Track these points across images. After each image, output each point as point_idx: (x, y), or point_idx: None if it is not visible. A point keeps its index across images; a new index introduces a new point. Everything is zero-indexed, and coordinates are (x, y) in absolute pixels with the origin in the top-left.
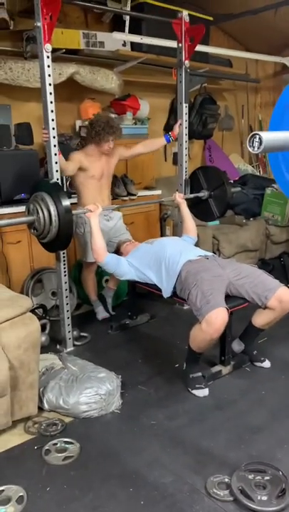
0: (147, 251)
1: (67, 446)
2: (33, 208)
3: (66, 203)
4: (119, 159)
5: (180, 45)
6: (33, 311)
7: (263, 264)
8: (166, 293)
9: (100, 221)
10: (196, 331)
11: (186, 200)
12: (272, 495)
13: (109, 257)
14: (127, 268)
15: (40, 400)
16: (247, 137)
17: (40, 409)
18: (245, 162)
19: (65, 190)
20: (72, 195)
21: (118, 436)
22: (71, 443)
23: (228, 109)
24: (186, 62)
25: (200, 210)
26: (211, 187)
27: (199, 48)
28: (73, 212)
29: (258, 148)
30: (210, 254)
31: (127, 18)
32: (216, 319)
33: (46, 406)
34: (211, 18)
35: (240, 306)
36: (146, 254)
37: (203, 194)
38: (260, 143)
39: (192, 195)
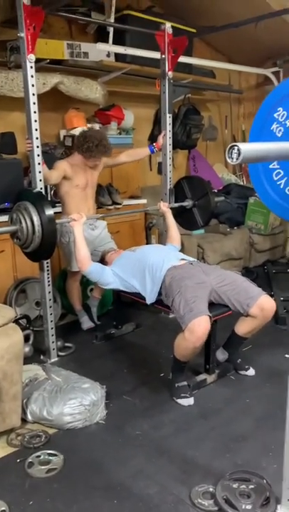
0: (130, 258)
1: (50, 458)
2: (16, 217)
3: (49, 212)
4: (103, 167)
5: (163, 56)
6: (16, 321)
7: (247, 273)
8: (150, 299)
9: (84, 230)
10: (179, 340)
11: (171, 209)
12: (257, 504)
13: (93, 266)
14: (111, 277)
15: (24, 412)
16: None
17: (24, 420)
18: (228, 172)
19: (49, 199)
20: (57, 205)
21: (103, 447)
22: (55, 455)
23: (211, 119)
24: (170, 73)
25: (184, 219)
26: (195, 196)
27: (182, 59)
28: (57, 221)
29: (237, 159)
30: (194, 260)
31: (111, 29)
32: (198, 327)
33: (30, 418)
34: (193, 30)
35: (224, 314)
36: (129, 262)
37: (188, 203)
38: (239, 154)
39: (177, 205)
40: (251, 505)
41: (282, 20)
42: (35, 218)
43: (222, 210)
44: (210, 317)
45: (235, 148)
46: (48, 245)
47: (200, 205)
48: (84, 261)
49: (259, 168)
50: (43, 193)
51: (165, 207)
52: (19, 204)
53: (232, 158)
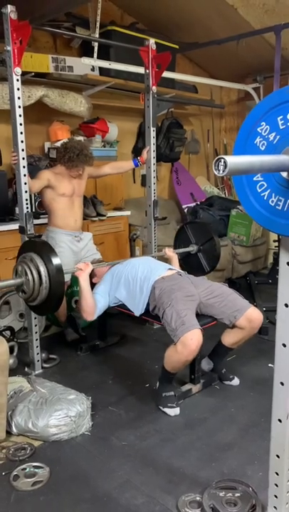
0: (118, 270)
1: (36, 470)
2: (21, 269)
3: (57, 261)
4: (87, 177)
5: (147, 71)
6: (0, 333)
7: (230, 284)
8: (138, 311)
9: (70, 242)
10: (171, 352)
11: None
12: (243, 511)
13: (96, 313)
14: (105, 303)
15: (9, 424)
16: (213, 160)
17: (9, 433)
18: (211, 184)
19: (33, 210)
20: (42, 216)
21: (88, 458)
22: (40, 467)
23: (194, 133)
24: (154, 87)
25: (190, 264)
26: (199, 241)
27: (166, 74)
28: (64, 271)
29: (223, 171)
30: (181, 271)
31: (96, 44)
32: (191, 341)
33: (15, 430)
34: (176, 47)
35: (208, 324)
36: (117, 274)
37: (192, 248)
38: (225, 166)
39: (182, 250)
40: None
41: (262, 38)
42: (42, 269)
43: (205, 221)
44: (201, 330)
45: (222, 160)
46: (55, 297)
47: (205, 250)
48: (90, 311)
49: (243, 181)
50: (46, 243)
51: (171, 252)
52: (24, 256)
53: (218, 170)
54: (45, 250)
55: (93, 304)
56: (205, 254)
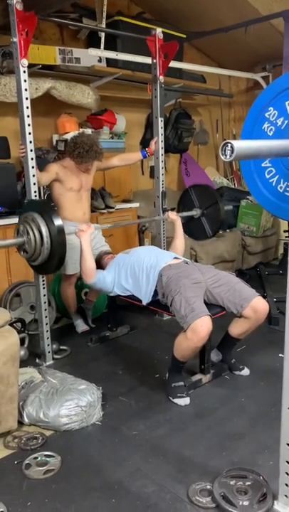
0: (125, 260)
1: (48, 459)
2: (23, 229)
3: (58, 222)
4: (95, 170)
5: (154, 61)
6: (11, 325)
7: (240, 275)
8: (146, 299)
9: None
10: (181, 339)
11: None
12: (254, 499)
13: (96, 277)
14: (111, 284)
15: (20, 414)
16: None
17: (20, 423)
18: (220, 175)
19: None
20: None
21: (99, 447)
22: (52, 456)
23: (202, 123)
24: (161, 77)
25: (192, 228)
26: (203, 205)
27: (173, 64)
28: (66, 232)
29: (230, 156)
30: (188, 260)
31: (103, 34)
32: (201, 327)
33: (26, 420)
34: (184, 36)
35: (217, 314)
36: (124, 264)
37: (196, 212)
38: (232, 151)
39: (185, 214)
40: (248, 502)
41: (271, 25)
42: (44, 229)
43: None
44: (210, 317)
45: (229, 145)
46: (57, 257)
47: (209, 214)
48: (90, 273)
49: (251, 167)
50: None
51: (174, 215)
52: (26, 215)
53: (225, 155)
54: (47, 210)
55: (93, 267)
56: (208, 219)
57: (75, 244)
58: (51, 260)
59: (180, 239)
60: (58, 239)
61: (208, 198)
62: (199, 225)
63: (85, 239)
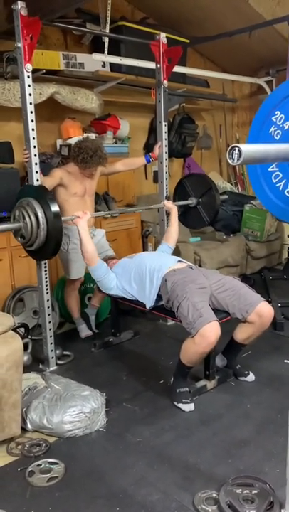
0: (129, 264)
1: (51, 466)
2: (18, 214)
3: (55, 208)
4: (99, 175)
5: (158, 65)
6: (14, 330)
7: (244, 279)
8: (150, 303)
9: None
10: (189, 344)
11: None
12: (261, 508)
13: (100, 262)
14: (114, 282)
15: (24, 421)
16: (225, 156)
17: (24, 429)
18: (224, 180)
19: None
20: None
21: (104, 454)
22: (55, 463)
23: (206, 128)
24: (165, 82)
25: (190, 218)
26: (198, 194)
27: (177, 68)
28: (63, 218)
29: (238, 160)
30: (192, 264)
31: (106, 39)
32: (210, 333)
33: (29, 426)
34: (187, 41)
35: (223, 319)
36: (127, 268)
37: (192, 201)
38: (240, 155)
39: (181, 203)
40: (255, 510)
41: (274, 29)
42: (40, 213)
43: (218, 217)
44: (218, 322)
45: (236, 149)
46: (53, 241)
47: (204, 202)
48: (92, 257)
49: (258, 172)
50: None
51: (170, 203)
52: (21, 201)
53: (233, 159)
54: (43, 195)
55: (93, 251)
56: (205, 207)
57: (78, 248)
58: (48, 245)
59: (174, 226)
60: (54, 223)
61: (202, 185)
62: (196, 214)
63: (82, 225)
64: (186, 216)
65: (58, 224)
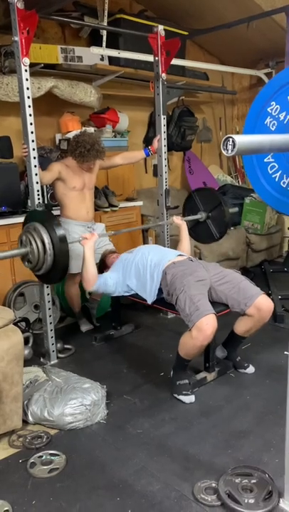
0: (128, 260)
1: (52, 458)
2: (25, 239)
3: (60, 232)
4: (98, 169)
5: (156, 58)
6: (15, 324)
7: (245, 272)
8: (151, 298)
9: (83, 232)
10: (186, 338)
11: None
12: (259, 497)
13: (97, 283)
14: (113, 287)
15: (25, 413)
16: None
17: (25, 422)
18: (224, 173)
19: (46, 202)
20: (54, 208)
21: (104, 446)
22: (57, 455)
23: (206, 121)
24: (163, 74)
25: (199, 232)
26: (208, 208)
27: (175, 61)
28: (68, 242)
29: (232, 150)
30: (193, 257)
31: (104, 33)
32: (206, 326)
33: (31, 419)
34: (186, 33)
35: (222, 312)
36: (127, 263)
37: (201, 216)
38: (234, 146)
39: (190, 218)
40: (254, 499)
41: (273, 21)
42: (46, 237)
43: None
44: (215, 315)
45: (230, 139)
46: (60, 265)
47: (214, 217)
48: (91, 280)
49: (254, 163)
50: (50, 212)
51: (179, 220)
52: (28, 226)
53: (227, 150)
54: (48, 220)
55: (94, 274)
56: (214, 221)
57: (79, 244)
58: (55, 268)
59: (187, 241)
60: (61, 247)
61: (212, 200)
62: (206, 229)
63: (89, 246)
64: (195, 230)
65: (65, 248)
